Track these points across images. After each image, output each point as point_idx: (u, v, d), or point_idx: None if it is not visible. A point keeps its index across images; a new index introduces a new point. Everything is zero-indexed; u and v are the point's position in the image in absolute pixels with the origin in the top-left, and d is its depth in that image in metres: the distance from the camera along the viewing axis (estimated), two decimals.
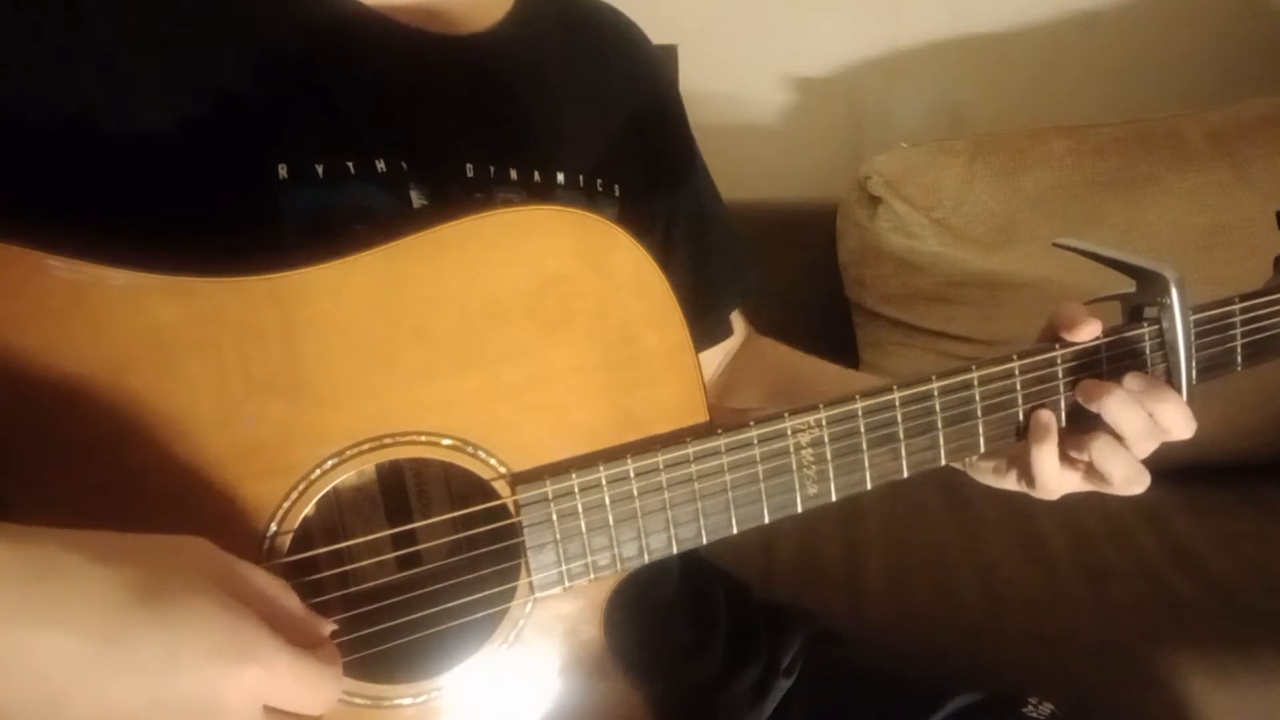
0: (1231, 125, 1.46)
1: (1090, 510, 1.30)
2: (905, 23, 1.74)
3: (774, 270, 1.52)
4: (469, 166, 0.64)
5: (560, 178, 0.68)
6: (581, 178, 0.70)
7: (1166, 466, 1.29)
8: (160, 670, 0.42)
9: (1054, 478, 0.65)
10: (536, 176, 0.67)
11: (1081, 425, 0.65)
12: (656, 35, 0.85)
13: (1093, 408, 0.64)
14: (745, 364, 0.90)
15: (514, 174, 0.66)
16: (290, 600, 0.48)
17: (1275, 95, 1.51)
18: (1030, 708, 0.77)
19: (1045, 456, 0.64)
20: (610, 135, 0.75)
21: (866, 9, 1.74)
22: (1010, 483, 0.68)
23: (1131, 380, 0.64)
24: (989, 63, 1.75)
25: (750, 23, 1.75)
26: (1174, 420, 0.64)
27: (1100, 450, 0.63)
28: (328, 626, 0.50)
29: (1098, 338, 0.65)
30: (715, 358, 0.90)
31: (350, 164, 0.60)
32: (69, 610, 0.41)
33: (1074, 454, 0.65)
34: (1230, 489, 1.36)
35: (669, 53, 1.58)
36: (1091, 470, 0.65)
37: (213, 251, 0.51)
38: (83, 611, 0.41)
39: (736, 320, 0.92)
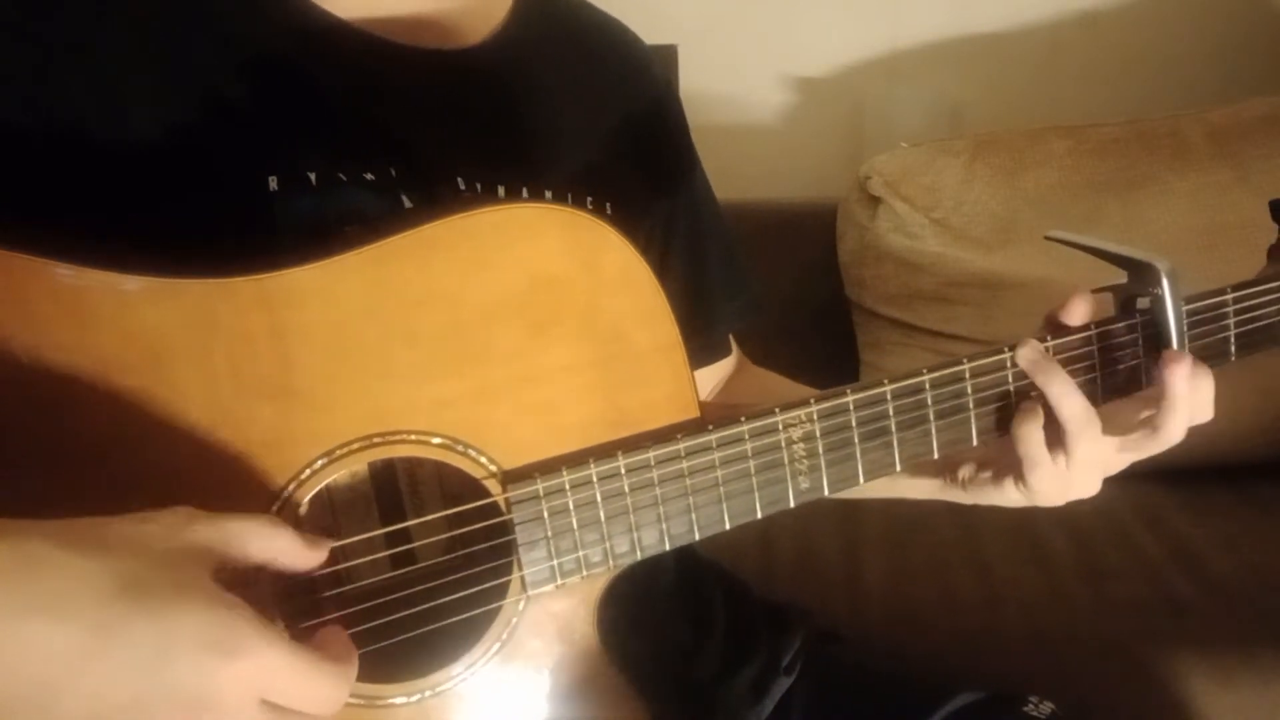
0: (1231, 125, 1.46)
1: (1090, 510, 1.30)
2: (905, 23, 1.74)
3: (774, 270, 1.52)
4: (459, 180, 0.64)
5: (548, 195, 0.68)
6: (570, 195, 0.69)
7: (1166, 466, 1.29)
8: (151, 660, 0.41)
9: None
10: (524, 193, 0.67)
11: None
12: (656, 35, 0.84)
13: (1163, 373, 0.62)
14: (737, 392, 0.88)
15: (501, 190, 0.66)
16: (279, 537, 0.48)
17: (1275, 95, 1.51)
18: (1030, 707, 0.77)
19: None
20: (605, 150, 0.74)
21: (866, 9, 1.74)
22: (1010, 495, 0.66)
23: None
24: (989, 63, 1.75)
25: (750, 23, 1.75)
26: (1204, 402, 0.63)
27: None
28: (323, 547, 0.50)
29: (1089, 327, 0.65)
30: (710, 381, 0.88)
31: (342, 174, 0.60)
32: (57, 602, 0.41)
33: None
34: (1230, 489, 1.36)
35: (669, 53, 1.58)
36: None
37: (205, 259, 0.52)
38: (71, 603, 0.41)
39: (732, 346, 0.90)
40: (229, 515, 0.47)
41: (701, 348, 0.83)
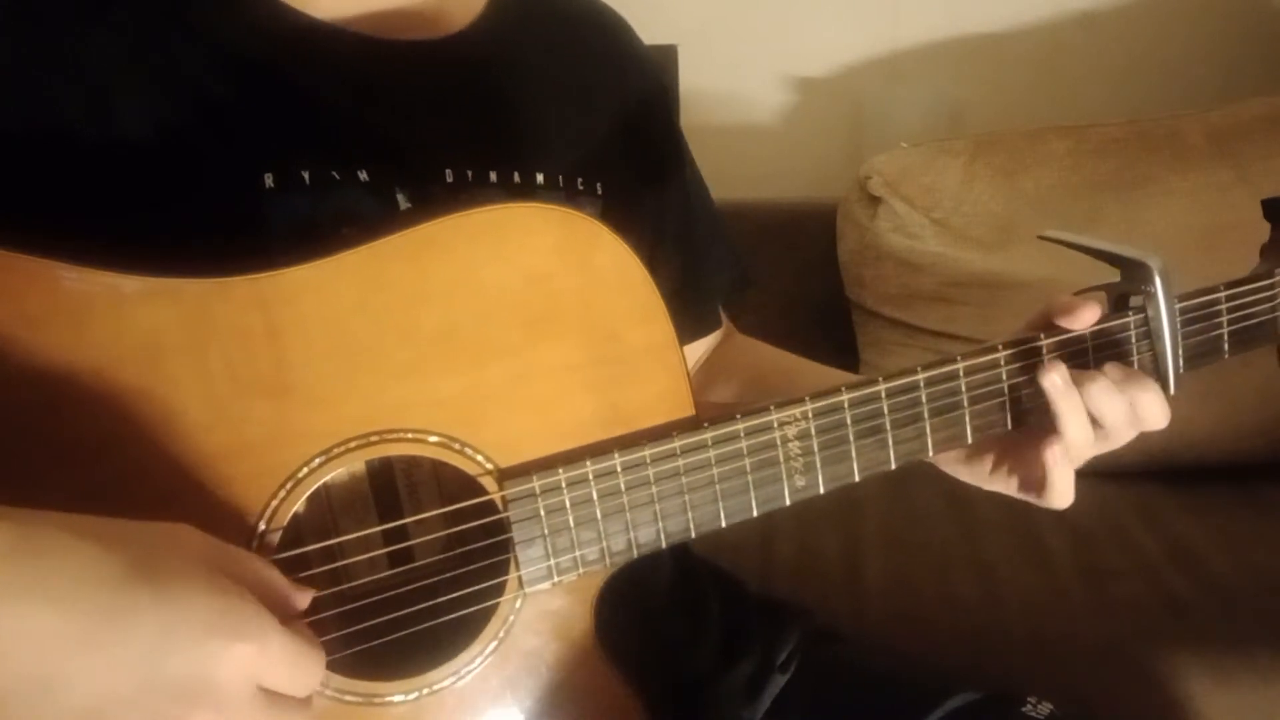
0: (1231, 125, 1.46)
1: (1090, 510, 1.31)
2: (905, 23, 1.74)
3: (774, 270, 1.52)
4: (449, 171, 0.64)
5: (540, 178, 0.68)
6: (561, 177, 0.69)
7: (1167, 466, 1.30)
8: (154, 648, 0.42)
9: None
10: (516, 178, 0.67)
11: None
12: (656, 35, 0.84)
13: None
14: (724, 358, 0.89)
15: (494, 176, 0.66)
16: (272, 575, 0.49)
17: (1275, 95, 1.51)
18: (1029, 707, 0.76)
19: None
20: (594, 132, 0.75)
21: (866, 9, 1.74)
22: (1013, 488, 0.67)
23: (1112, 370, 0.64)
24: (989, 63, 1.75)
25: (750, 23, 1.75)
26: (1151, 409, 0.63)
27: (1097, 399, 0.62)
28: (308, 595, 0.50)
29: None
30: (696, 352, 0.89)
31: (335, 173, 0.60)
32: (64, 587, 0.41)
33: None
34: (1230, 489, 1.35)
35: (669, 53, 1.58)
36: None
37: (201, 259, 0.52)
38: (78, 588, 0.41)
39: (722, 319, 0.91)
40: (232, 545, 0.48)
41: (695, 322, 0.85)
